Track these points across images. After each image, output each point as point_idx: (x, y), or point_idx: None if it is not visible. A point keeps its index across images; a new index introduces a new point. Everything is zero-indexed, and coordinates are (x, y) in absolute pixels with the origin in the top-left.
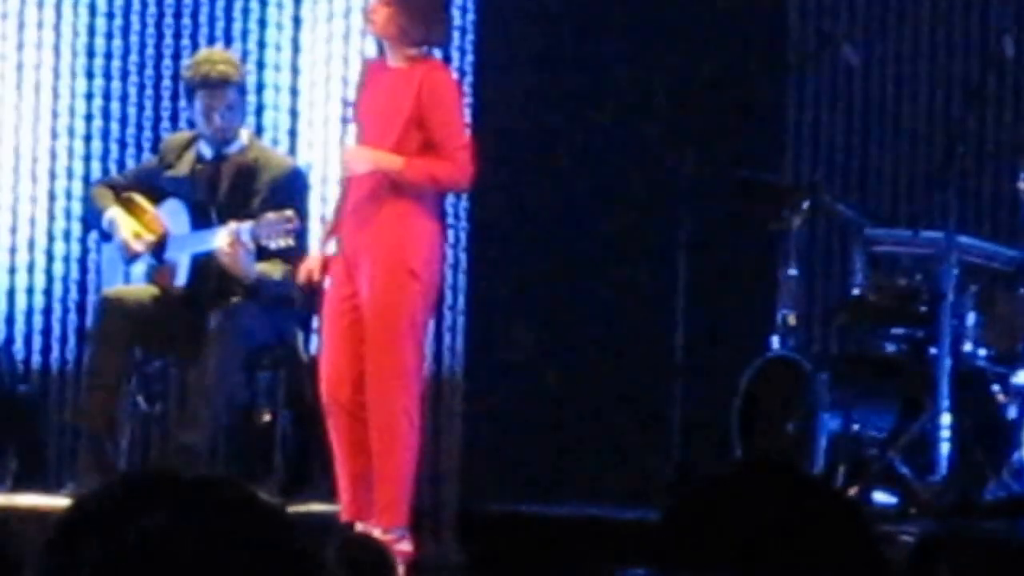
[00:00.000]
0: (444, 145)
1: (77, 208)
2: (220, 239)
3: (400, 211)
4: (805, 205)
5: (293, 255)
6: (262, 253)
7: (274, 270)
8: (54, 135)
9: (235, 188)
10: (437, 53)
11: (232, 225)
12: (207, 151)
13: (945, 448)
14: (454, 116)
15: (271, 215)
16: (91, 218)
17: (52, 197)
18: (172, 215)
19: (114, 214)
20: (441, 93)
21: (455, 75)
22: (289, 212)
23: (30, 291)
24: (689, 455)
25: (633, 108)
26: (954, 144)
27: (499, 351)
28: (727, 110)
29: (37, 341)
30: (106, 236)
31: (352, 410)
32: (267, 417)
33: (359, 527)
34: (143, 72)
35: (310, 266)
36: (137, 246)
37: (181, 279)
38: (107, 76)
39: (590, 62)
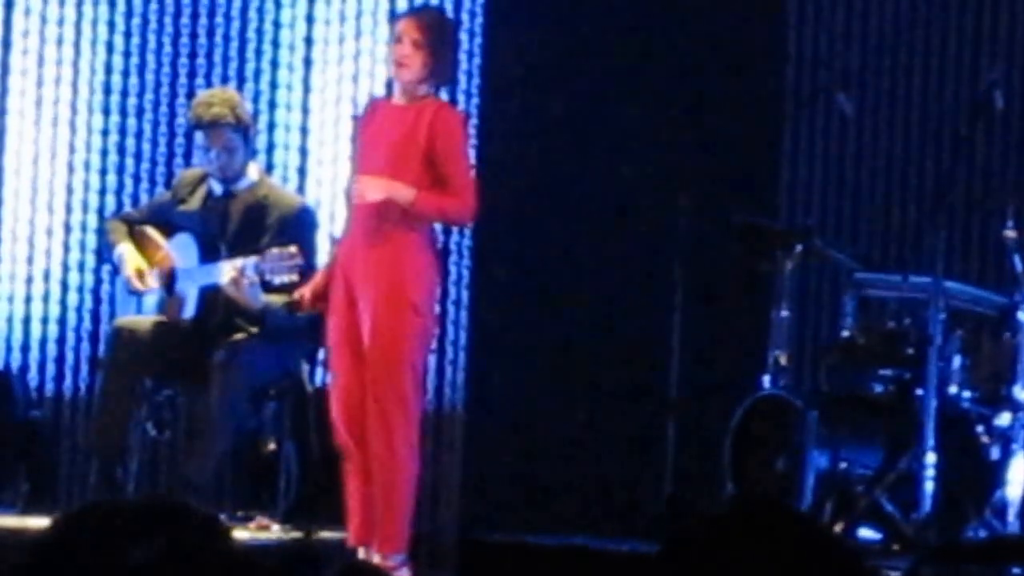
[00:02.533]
0: (452, 182)
1: (92, 240)
2: (225, 273)
3: (401, 245)
4: (798, 249)
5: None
6: (267, 288)
7: (279, 302)
8: (71, 169)
9: (245, 224)
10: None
11: (237, 260)
12: (218, 188)
13: (929, 487)
14: (461, 154)
15: (275, 251)
16: (104, 251)
17: (68, 229)
18: (182, 249)
19: (123, 250)
20: (451, 131)
21: (461, 113)
22: (293, 248)
23: (45, 320)
24: (682, 489)
25: (632, 151)
26: (943, 192)
27: (498, 385)
28: (724, 155)
29: (51, 369)
30: (117, 270)
31: (359, 436)
32: (272, 446)
33: (361, 553)
34: (158, 110)
35: (302, 289)
36: (138, 284)
37: (189, 311)
38: (123, 113)
39: (590, 105)
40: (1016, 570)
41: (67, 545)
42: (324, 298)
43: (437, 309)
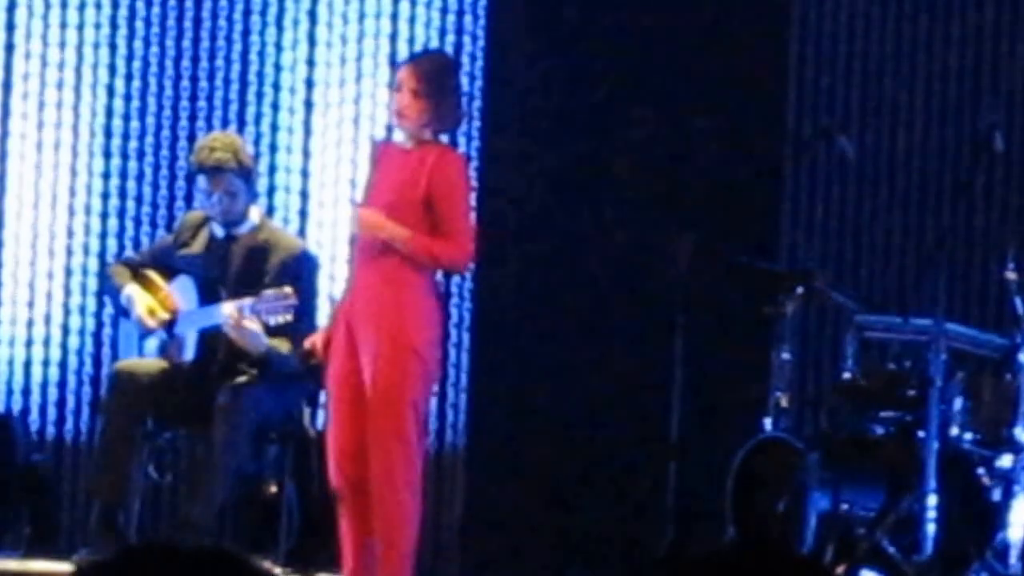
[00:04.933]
0: (448, 227)
1: (92, 284)
2: (224, 315)
3: (403, 288)
4: (799, 291)
5: (298, 333)
6: (264, 330)
7: (282, 345)
8: (71, 212)
9: (245, 267)
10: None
11: (235, 301)
12: (219, 231)
13: (931, 529)
14: (460, 199)
15: (269, 292)
16: (110, 295)
17: (68, 273)
18: (182, 291)
19: (132, 291)
20: (451, 176)
21: (463, 157)
22: (288, 289)
23: (46, 363)
24: (684, 532)
25: (632, 192)
26: (944, 234)
27: (499, 429)
28: (724, 197)
29: (52, 412)
30: (124, 312)
31: (357, 483)
32: (273, 489)
33: None
34: (159, 153)
35: (314, 339)
36: (151, 323)
37: (189, 354)
38: (124, 156)
39: (590, 146)
40: None
41: None
42: None
43: (439, 352)
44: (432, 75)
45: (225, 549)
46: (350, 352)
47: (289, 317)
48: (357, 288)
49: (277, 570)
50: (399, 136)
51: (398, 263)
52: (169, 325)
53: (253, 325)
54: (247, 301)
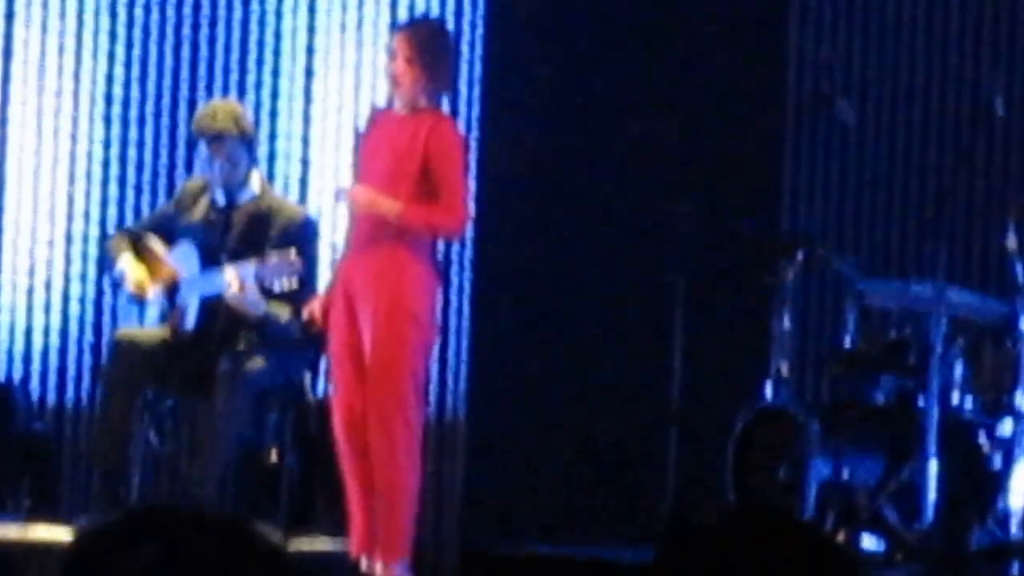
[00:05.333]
0: (443, 194)
1: (93, 251)
2: (226, 280)
3: (400, 257)
4: (799, 258)
5: (300, 299)
6: (267, 295)
7: (281, 311)
8: (71, 179)
9: (247, 235)
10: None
11: (238, 267)
12: (220, 198)
13: (932, 495)
14: (456, 166)
15: (274, 257)
16: (108, 267)
17: (69, 240)
18: (183, 258)
19: (123, 264)
20: (446, 143)
21: (461, 126)
22: (292, 254)
23: (46, 331)
24: (685, 500)
25: (632, 159)
26: (945, 200)
27: (500, 395)
28: (725, 165)
29: (52, 380)
30: (119, 284)
31: (363, 449)
32: (274, 456)
33: (363, 563)
34: (159, 120)
35: (312, 306)
36: (140, 293)
37: (190, 322)
38: (124, 123)
39: (592, 115)
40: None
41: (95, 550)
42: None
43: (438, 319)
44: (425, 42)
45: (232, 515)
46: (350, 321)
47: (294, 283)
48: (354, 257)
49: (277, 537)
50: (384, 99)
51: (394, 231)
52: (170, 293)
53: (252, 289)
54: (251, 265)
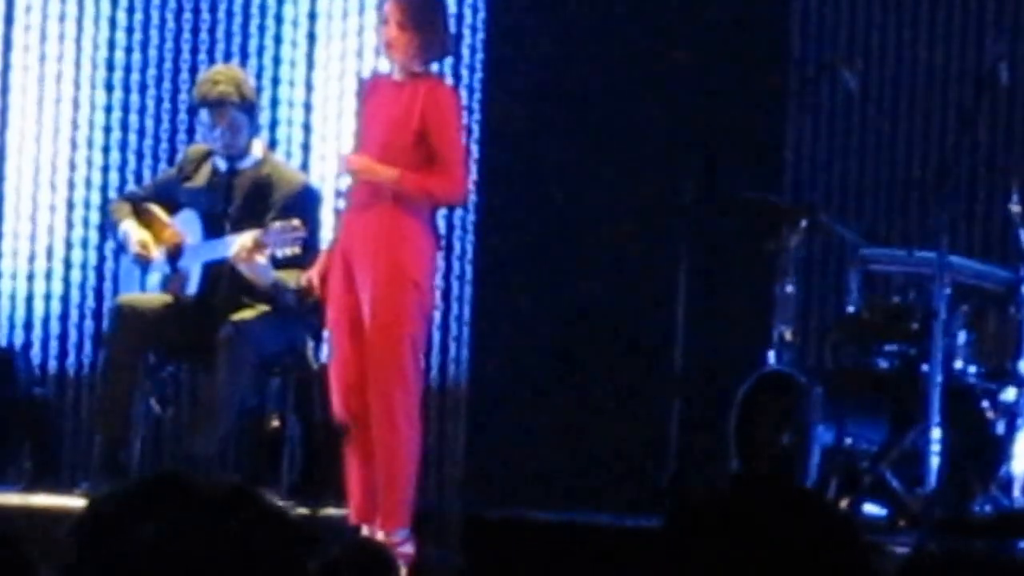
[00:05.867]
0: (441, 159)
1: (95, 217)
2: (233, 247)
3: (399, 223)
4: (803, 224)
5: (304, 264)
6: (273, 263)
7: (289, 278)
8: (73, 146)
9: (249, 201)
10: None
11: (244, 234)
12: (222, 164)
13: (935, 462)
14: (453, 131)
15: (278, 224)
16: (110, 230)
17: (70, 206)
18: (186, 225)
19: (126, 227)
20: (443, 108)
21: (461, 92)
22: (296, 221)
23: (48, 297)
24: (687, 465)
25: (635, 127)
26: (948, 167)
27: (502, 361)
28: (728, 131)
29: (54, 346)
30: (123, 248)
31: (361, 416)
32: (276, 423)
33: (364, 530)
34: (161, 85)
35: (310, 275)
36: (146, 255)
37: (192, 287)
38: (126, 89)
39: (593, 82)
40: (1022, 544)
41: (106, 518)
42: None
43: (437, 284)
44: (417, 6)
45: (241, 485)
46: (348, 287)
47: (297, 249)
48: (353, 223)
49: (279, 503)
50: (387, 67)
51: (392, 197)
52: (173, 258)
53: (262, 258)
54: (255, 233)
